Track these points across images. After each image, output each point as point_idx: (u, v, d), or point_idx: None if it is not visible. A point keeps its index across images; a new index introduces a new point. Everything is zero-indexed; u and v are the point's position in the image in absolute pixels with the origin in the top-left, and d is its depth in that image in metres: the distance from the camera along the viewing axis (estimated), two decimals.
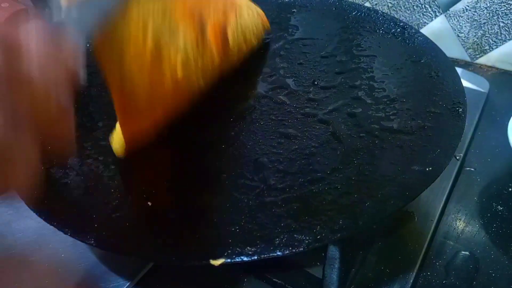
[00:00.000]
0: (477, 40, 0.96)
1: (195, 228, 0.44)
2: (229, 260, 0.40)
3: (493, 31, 0.93)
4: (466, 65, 0.99)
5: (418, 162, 0.49)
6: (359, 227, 0.42)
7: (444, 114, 0.56)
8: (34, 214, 0.48)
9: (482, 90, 0.87)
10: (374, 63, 0.69)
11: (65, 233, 0.45)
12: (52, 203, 0.48)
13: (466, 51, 0.98)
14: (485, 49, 0.96)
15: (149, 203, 0.48)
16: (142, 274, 0.58)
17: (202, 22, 0.52)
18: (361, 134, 0.56)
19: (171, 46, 0.47)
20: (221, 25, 0.57)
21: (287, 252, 0.40)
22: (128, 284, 0.57)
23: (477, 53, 0.97)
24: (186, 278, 0.58)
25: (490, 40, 0.94)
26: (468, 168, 0.72)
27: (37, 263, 0.60)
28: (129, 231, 0.45)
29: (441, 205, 0.65)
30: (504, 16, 0.90)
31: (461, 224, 0.64)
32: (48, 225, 0.46)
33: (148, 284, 0.57)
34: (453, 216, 0.65)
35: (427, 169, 0.48)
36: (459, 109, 0.56)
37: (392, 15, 0.84)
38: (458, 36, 0.97)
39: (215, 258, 0.40)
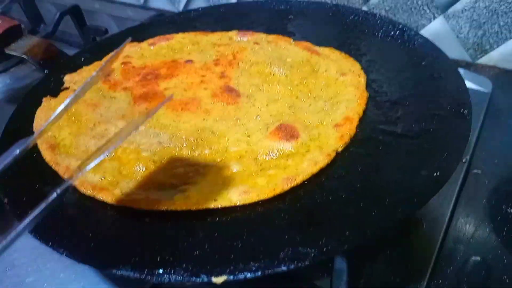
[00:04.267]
0: (477, 40, 0.94)
1: (195, 244, 0.42)
2: (232, 277, 0.38)
3: (493, 30, 0.91)
4: (467, 65, 0.97)
5: (425, 167, 0.47)
6: (367, 238, 0.40)
7: (449, 116, 0.55)
8: (29, 234, 0.46)
9: (485, 91, 0.85)
10: (374, 66, 0.67)
11: (61, 253, 0.43)
12: (46, 222, 0.46)
13: (466, 52, 0.97)
14: (486, 49, 0.94)
15: (147, 219, 0.46)
16: None
17: None
18: (364, 140, 0.54)
19: None
20: None
21: (293, 266, 0.39)
22: None
23: (478, 53, 0.96)
24: None
25: (491, 40, 0.93)
26: (475, 171, 0.71)
27: (35, 284, 0.58)
28: (127, 250, 0.43)
29: (450, 210, 0.63)
30: (504, 14, 0.88)
31: (471, 228, 0.62)
32: None
33: None
34: (462, 220, 0.63)
35: (435, 174, 0.46)
36: (464, 110, 0.55)
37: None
38: (458, 36, 0.96)
39: (217, 275, 0.39)
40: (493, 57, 0.95)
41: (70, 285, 0.58)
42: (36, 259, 0.61)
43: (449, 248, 0.59)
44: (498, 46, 0.93)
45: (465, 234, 0.61)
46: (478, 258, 0.58)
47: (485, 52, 0.95)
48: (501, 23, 0.90)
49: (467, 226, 0.62)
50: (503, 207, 0.64)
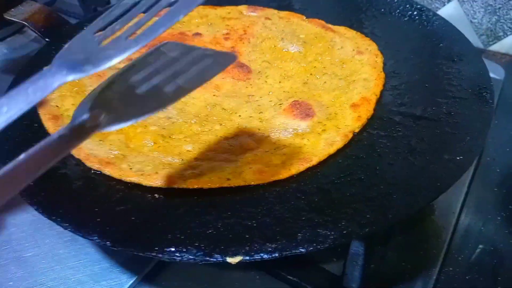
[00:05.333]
0: (491, 26, 0.92)
1: (207, 222, 0.40)
2: (247, 258, 0.37)
3: (509, 16, 0.89)
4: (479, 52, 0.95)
5: (448, 151, 0.45)
6: (389, 221, 0.39)
7: (470, 99, 0.53)
8: (30, 207, 0.44)
9: (498, 78, 0.83)
10: (391, 47, 0.65)
11: (65, 228, 0.40)
12: (49, 195, 0.44)
13: (479, 38, 0.94)
14: (499, 36, 0.92)
15: (156, 195, 0.44)
16: (147, 270, 0.54)
17: None
18: (382, 121, 0.52)
19: None
20: None
21: (311, 248, 0.37)
22: (132, 281, 0.53)
23: (490, 39, 0.94)
24: (193, 274, 0.54)
25: (505, 26, 0.90)
26: (487, 158, 0.69)
27: (33, 259, 0.56)
28: (135, 226, 0.41)
29: (462, 197, 0.62)
30: None
31: (483, 216, 0.60)
32: (45, 219, 0.42)
33: (153, 281, 0.54)
34: (474, 208, 0.61)
35: (458, 158, 0.44)
36: (485, 94, 0.53)
37: None
38: (471, 22, 0.93)
39: (232, 256, 0.37)
40: (506, 44, 0.93)
41: (70, 261, 0.56)
42: (34, 234, 0.59)
43: (461, 236, 0.58)
44: None
45: (477, 222, 0.60)
46: (490, 247, 0.57)
47: (498, 38, 0.93)
48: None
49: (479, 214, 0.61)
50: None
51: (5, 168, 0.25)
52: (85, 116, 0.29)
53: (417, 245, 0.55)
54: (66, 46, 0.31)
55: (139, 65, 0.34)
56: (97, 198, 0.44)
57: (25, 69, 0.64)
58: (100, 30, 0.33)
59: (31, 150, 0.26)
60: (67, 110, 0.55)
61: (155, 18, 0.31)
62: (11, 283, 0.53)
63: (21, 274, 0.54)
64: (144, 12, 0.34)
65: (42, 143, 0.26)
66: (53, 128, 0.52)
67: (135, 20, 0.33)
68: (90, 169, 0.47)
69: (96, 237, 0.39)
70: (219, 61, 0.35)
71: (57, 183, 0.46)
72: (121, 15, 0.34)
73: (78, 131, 0.29)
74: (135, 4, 0.35)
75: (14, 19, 0.70)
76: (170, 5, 0.32)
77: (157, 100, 0.31)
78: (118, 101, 0.32)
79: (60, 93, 0.56)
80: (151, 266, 0.54)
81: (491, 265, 0.55)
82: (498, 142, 0.72)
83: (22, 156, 0.25)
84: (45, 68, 0.29)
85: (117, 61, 0.29)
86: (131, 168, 0.46)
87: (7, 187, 0.25)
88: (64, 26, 0.73)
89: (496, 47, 0.94)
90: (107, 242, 0.39)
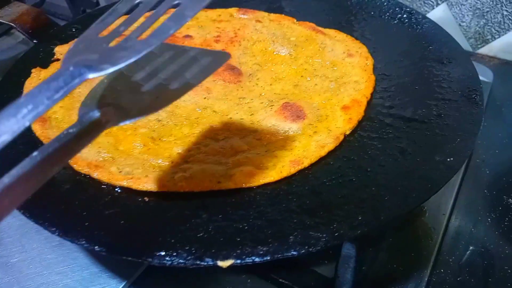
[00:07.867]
0: (479, 29, 0.93)
1: (198, 225, 0.40)
2: (238, 261, 0.36)
3: (496, 20, 0.90)
4: None
5: (439, 152, 0.45)
6: (380, 223, 0.38)
7: (459, 101, 0.53)
8: (17, 211, 0.43)
9: (487, 80, 0.84)
10: (381, 49, 0.65)
11: (53, 232, 0.40)
12: (36, 199, 0.43)
13: (467, 41, 0.95)
14: (487, 39, 0.93)
15: (146, 198, 0.44)
16: (137, 275, 0.53)
17: None
18: (372, 123, 0.52)
19: None
20: None
21: (303, 251, 0.36)
22: (121, 286, 0.52)
23: (478, 43, 0.95)
24: (183, 278, 0.54)
25: (493, 30, 0.91)
26: (476, 160, 0.70)
27: (20, 265, 0.55)
28: (125, 230, 0.40)
29: (452, 199, 0.62)
30: (508, 4, 0.87)
31: (473, 218, 0.61)
32: (32, 223, 0.41)
33: (143, 286, 0.53)
34: (464, 210, 0.62)
35: (448, 159, 0.44)
36: (475, 96, 0.53)
37: None
38: (460, 25, 0.94)
39: (222, 259, 0.36)
40: (494, 47, 0.93)
41: (58, 266, 0.55)
42: (21, 239, 0.58)
43: (452, 238, 0.58)
44: (499, 36, 0.91)
45: (467, 224, 0.60)
46: (481, 249, 0.57)
47: (486, 42, 0.94)
48: (505, 13, 0.88)
49: (469, 215, 0.61)
50: (504, 197, 0.63)
51: (21, 166, 0.24)
52: (96, 113, 0.29)
53: (408, 247, 0.55)
54: (72, 47, 0.30)
55: (138, 64, 0.33)
56: (85, 202, 0.43)
57: (11, 71, 0.63)
58: (102, 31, 0.32)
59: (44, 149, 0.25)
60: (55, 112, 0.54)
61: (161, 18, 0.30)
62: None
63: (8, 280, 0.53)
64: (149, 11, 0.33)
65: (55, 141, 0.26)
66: (40, 130, 0.51)
67: (140, 20, 0.32)
68: (78, 172, 0.46)
69: (84, 242, 0.38)
70: (216, 58, 0.36)
71: (45, 187, 0.45)
72: (123, 15, 0.34)
73: (90, 128, 0.28)
74: (136, 5, 0.34)
75: (1, 20, 0.69)
76: (173, 6, 0.31)
77: (163, 96, 0.32)
78: (125, 98, 0.32)
79: None
80: (140, 270, 0.54)
81: (482, 266, 0.55)
82: (487, 144, 0.73)
83: (36, 154, 0.25)
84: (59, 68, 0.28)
85: (132, 61, 0.28)
86: (120, 171, 0.46)
87: (25, 185, 0.25)
88: (52, 27, 0.72)
89: (485, 50, 0.95)
90: (95, 247, 0.38)
